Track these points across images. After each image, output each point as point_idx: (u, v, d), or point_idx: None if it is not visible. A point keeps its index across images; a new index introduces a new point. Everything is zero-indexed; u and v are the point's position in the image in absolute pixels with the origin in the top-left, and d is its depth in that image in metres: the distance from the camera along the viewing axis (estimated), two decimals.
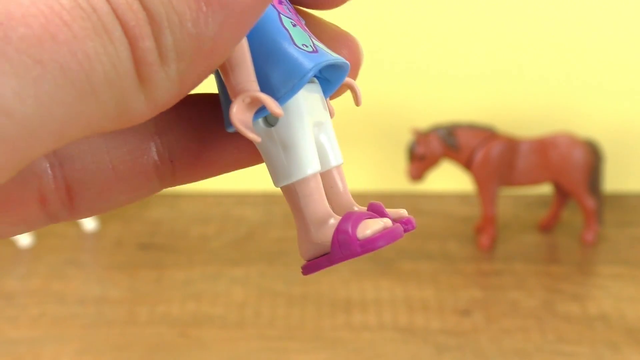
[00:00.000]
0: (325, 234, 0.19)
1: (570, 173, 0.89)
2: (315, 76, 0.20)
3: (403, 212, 0.20)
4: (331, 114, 0.21)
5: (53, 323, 0.79)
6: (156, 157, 0.20)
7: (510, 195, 1.06)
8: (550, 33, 0.99)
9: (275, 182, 0.19)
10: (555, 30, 0.99)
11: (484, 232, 0.92)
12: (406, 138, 1.05)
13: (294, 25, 0.19)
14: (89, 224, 0.99)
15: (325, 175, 0.20)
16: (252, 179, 1.10)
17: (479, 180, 0.90)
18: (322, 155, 0.20)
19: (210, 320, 0.79)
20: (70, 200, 0.19)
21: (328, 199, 0.20)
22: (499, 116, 1.03)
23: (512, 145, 0.89)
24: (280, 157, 0.19)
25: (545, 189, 1.07)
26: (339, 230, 0.18)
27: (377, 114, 1.04)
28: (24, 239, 0.95)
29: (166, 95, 0.16)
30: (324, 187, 0.20)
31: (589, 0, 0.97)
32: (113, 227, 1.00)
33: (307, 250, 0.19)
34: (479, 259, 0.90)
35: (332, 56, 0.19)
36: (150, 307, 0.81)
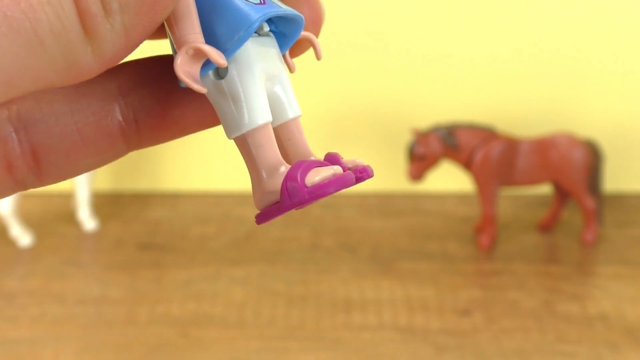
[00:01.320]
0: (276, 182, 0.19)
1: (570, 173, 0.89)
2: (271, 30, 0.20)
3: (359, 161, 0.20)
4: (291, 69, 0.21)
5: (53, 323, 0.79)
6: (120, 118, 0.20)
7: (510, 195, 1.06)
8: (550, 33, 0.99)
9: (227, 134, 0.19)
10: (555, 30, 0.99)
11: (484, 232, 0.92)
12: (406, 138, 1.05)
13: None
14: (88, 224, 0.99)
15: (283, 127, 0.20)
16: None
17: (479, 180, 0.90)
18: (279, 107, 0.20)
19: (210, 320, 0.79)
20: (37, 165, 0.19)
21: (286, 150, 0.20)
22: (499, 116, 1.03)
23: (512, 145, 0.89)
24: (231, 109, 0.19)
25: (545, 189, 1.07)
26: (288, 177, 0.18)
27: (377, 114, 1.04)
28: (24, 239, 0.95)
29: (113, 48, 0.16)
30: (281, 138, 0.20)
31: (588, 0, 0.97)
32: (113, 227, 1.00)
33: (260, 200, 0.19)
34: (479, 259, 0.90)
35: (282, 8, 0.19)
36: (150, 307, 0.81)
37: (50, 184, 0.20)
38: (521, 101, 1.03)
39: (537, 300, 0.81)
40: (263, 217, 0.19)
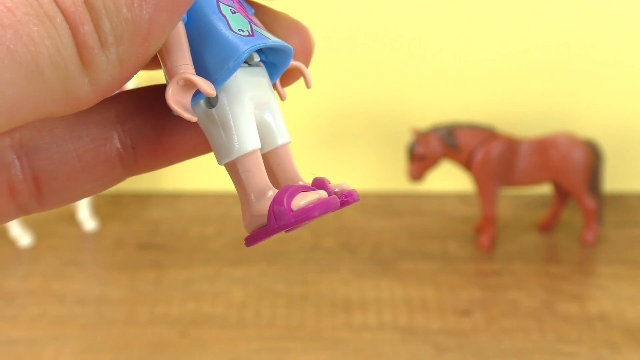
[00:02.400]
0: (264, 206, 0.20)
1: (570, 173, 0.89)
2: (262, 60, 0.21)
3: (345, 185, 0.21)
4: (282, 97, 0.22)
5: (53, 323, 0.79)
6: (119, 145, 0.21)
7: (510, 195, 1.06)
8: (551, 33, 0.99)
9: (218, 160, 0.20)
10: (555, 30, 0.99)
11: (484, 232, 0.92)
12: (406, 138, 1.05)
13: (233, 12, 0.20)
14: (88, 224, 0.99)
15: (273, 153, 0.21)
16: None
17: (479, 180, 0.90)
18: (269, 134, 0.21)
19: (210, 320, 0.79)
20: (38, 190, 0.20)
21: (276, 175, 0.21)
22: (499, 116, 1.03)
23: (512, 145, 0.89)
24: (221, 136, 0.20)
25: (545, 189, 1.07)
26: (274, 201, 0.19)
27: (377, 114, 1.04)
28: (24, 239, 0.95)
29: (109, 78, 0.16)
30: (271, 164, 0.21)
31: (588, 0, 0.97)
32: (113, 227, 1.00)
33: (249, 223, 0.20)
34: (479, 259, 0.90)
35: (270, 40, 0.20)
36: (150, 307, 0.81)
37: (50, 209, 0.20)
38: (521, 101, 1.03)
39: (537, 300, 0.81)
40: (252, 239, 0.20)
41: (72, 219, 1.02)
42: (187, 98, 0.19)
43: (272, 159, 0.21)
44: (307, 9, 0.99)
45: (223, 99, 0.19)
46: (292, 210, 0.19)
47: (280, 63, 0.21)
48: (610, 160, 1.04)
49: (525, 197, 1.07)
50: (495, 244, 0.93)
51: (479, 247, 0.92)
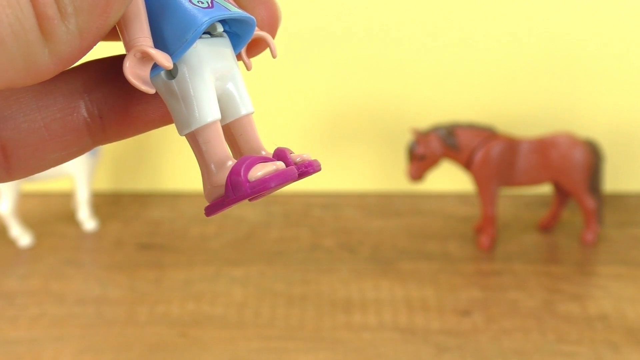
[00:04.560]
0: (222, 177, 0.20)
1: (570, 173, 0.89)
2: (225, 31, 0.21)
3: (306, 155, 0.21)
4: (247, 67, 0.22)
5: (53, 323, 0.79)
6: (86, 114, 0.21)
7: (510, 195, 1.06)
8: (551, 33, 0.99)
9: (179, 131, 0.20)
10: (555, 30, 0.99)
11: (484, 232, 0.92)
12: (406, 138, 1.04)
13: None
14: (88, 224, 0.99)
15: (235, 124, 0.21)
16: None
17: (479, 180, 0.90)
18: (232, 104, 0.21)
19: (210, 320, 0.79)
20: (6, 160, 0.20)
21: (239, 146, 0.21)
22: (499, 116, 1.03)
23: (512, 145, 0.89)
24: (181, 107, 0.20)
25: (545, 189, 1.07)
26: (232, 172, 0.19)
27: (377, 114, 1.04)
28: (24, 239, 0.95)
29: (68, 49, 0.17)
30: (234, 134, 0.21)
31: (588, 0, 0.97)
32: (113, 227, 1.00)
33: (209, 193, 0.20)
34: (479, 259, 0.90)
35: (229, 11, 0.20)
36: (150, 307, 0.81)
37: (19, 178, 0.21)
38: (521, 101, 1.03)
39: (537, 300, 0.81)
40: (211, 209, 0.20)
41: (72, 219, 1.02)
42: (146, 70, 0.19)
43: (235, 130, 0.21)
44: (307, 9, 0.99)
45: (183, 71, 0.20)
46: (248, 181, 0.19)
47: (244, 34, 0.21)
48: (610, 160, 1.04)
49: (525, 197, 1.07)
50: (495, 244, 0.93)
51: (479, 247, 0.92)
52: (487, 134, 0.90)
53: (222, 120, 0.21)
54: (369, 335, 0.76)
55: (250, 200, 0.21)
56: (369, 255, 0.92)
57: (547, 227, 0.96)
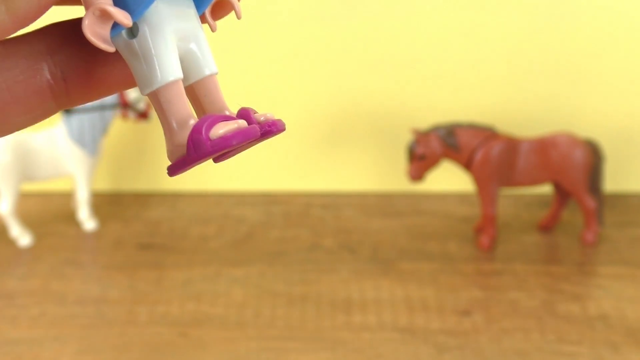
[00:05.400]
0: (184, 136, 0.20)
1: (570, 173, 0.89)
2: None
3: (270, 115, 0.21)
4: (212, 29, 0.22)
5: (53, 323, 0.79)
6: (49, 77, 0.21)
7: (510, 195, 1.06)
8: (551, 33, 0.99)
9: (141, 90, 0.20)
10: (555, 30, 0.99)
11: (484, 232, 0.92)
12: (406, 138, 1.04)
13: None
14: (88, 224, 0.99)
15: (199, 84, 0.21)
16: (252, 179, 1.10)
17: (479, 180, 0.90)
18: (195, 64, 0.21)
19: (210, 320, 0.79)
20: None
21: (203, 106, 0.21)
22: (499, 116, 1.03)
23: (512, 145, 0.89)
24: (142, 67, 0.20)
25: (545, 189, 1.07)
26: (193, 130, 0.19)
27: (377, 114, 1.04)
28: (24, 239, 0.95)
29: (25, 6, 0.17)
30: (198, 95, 0.21)
31: (588, 0, 0.97)
32: (113, 227, 1.00)
33: (172, 153, 0.21)
34: (479, 259, 0.90)
35: None
36: (150, 307, 0.81)
37: None
38: (521, 101, 1.03)
39: (537, 300, 0.81)
40: (173, 169, 0.21)
41: (72, 219, 1.02)
42: (105, 29, 0.19)
43: (199, 90, 0.21)
44: (307, 9, 0.99)
45: (144, 30, 0.19)
46: (210, 139, 0.19)
47: None
48: (610, 160, 1.04)
49: (525, 197, 1.07)
50: (495, 244, 0.93)
51: (479, 247, 0.92)
52: (487, 134, 0.89)
53: (185, 80, 0.21)
54: (369, 335, 0.76)
55: (214, 160, 0.21)
56: (369, 255, 0.92)
57: (547, 227, 0.96)
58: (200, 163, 0.20)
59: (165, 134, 0.21)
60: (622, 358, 0.71)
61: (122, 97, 0.96)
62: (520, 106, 1.03)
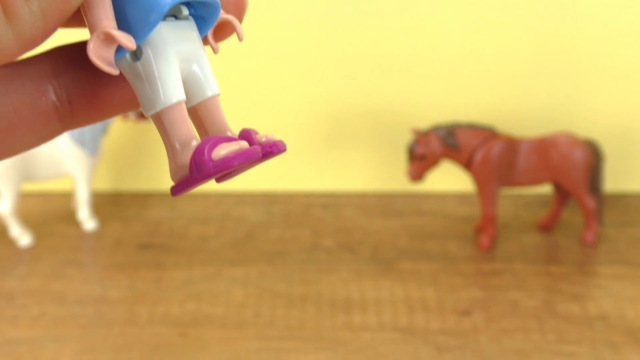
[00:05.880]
0: (187, 156, 0.20)
1: (570, 173, 0.89)
2: (191, 14, 0.22)
3: (271, 136, 0.21)
4: (214, 51, 0.22)
5: (53, 323, 0.79)
6: (54, 98, 0.21)
7: (510, 195, 1.06)
8: (551, 33, 0.99)
9: (144, 112, 0.20)
10: (555, 30, 0.99)
11: (484, 232, 0.92)
12: (406, 138, 1.05)
13: None
14: (88, 224, 0.99)
15: (202, 105, 0.22)
16: (252, 179, 1.10)
17: (479, 180, 0.90)
18: (197, 86, 0.21)
19: (210, 320, 0.79)
20: None
21: (205, 127, 0.22)
22: (499, 116, 1.03)
23: (512, 145, 0.89)
24: (146, 88, 0.20)
25: (545, 189, 1.07)
26: (196, 152, 0.20)
27: (377, 114, 1.04)
28: (24, 239, 0.95)
29: (32, 30, 0.17)
30: (200, 116, 0.22)
31: (588, 0, 0.97)
32: (113, 227, 1.00)
33: (174, 174, 0.21)
34: (479, 259, 0.90)
35: None
36: (150, 307, 0.81)
37: None
38: (521, 101, 1.03)
39: (537, 300, 0.81)
40: (177, 189, 0.21)
41: (72, 219, 1.02)
42: (110, 52, 0.19)
43: (201, 111, 0.22)
44: (307, 9, 0.99)
45: (148, 53, 0.20)
46: (212, 160, 0.19)
47: (209, 17, 0.22)
48: (610, 160, 1.04)
49: (525, 197, 1.07)
50: (495, 244, 0.93)
51: (479, 247, 0.92)
52: (487, 134, 0.89)
53: (188, 102, 0.21)
54: (369, 335, 0.76)
55: (217, 181, 0.21)
56: (369, 255, 0.92)
57: (547, 227, 0.96)
58: (202, 183, 0.20)
59: (168, 154, 0.21)
60: (622, 358, 0.71)
61: None
62: (520, 106, 1.03)
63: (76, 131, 0.94)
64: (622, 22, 0.98)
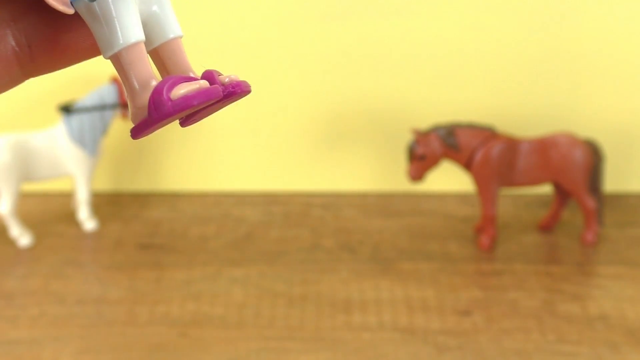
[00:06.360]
0: (146, 97, 0.20)
1: (570, 173, 0.89)
2: None
3: (234, 76, 0.21)
4: None
5: (53, 323, 0.79)
6: (13, 43, 0.20)
7: (510, 195, 1.06)
8: (550, 33, 0.99)
9: (103, 54, 0.20)
10: (555, 30, 0.99)
11: (484, 232, 0.92)
12: (406, 138, 1.04)
13: None
14: (88, 224, 0.99)
15: (164, 47, 0.21)
16: (252, 179, 1.10)
17: (479, 180, 0.90)
18: (158, 28, 0.21)
19: (210, 320, 0.79)
20: None
21: (167, 69, 0.21)
22: (499, 116, 1.03)
23: (512, 145, 0.89)
24: (103, 29, 0.20)
25: (545, 189, 1.07)
26: (154, 91, 0.19)
27: (377, 114, 1.04)
28: (24, 239, 0.95)
29: None
30: (162, 58, 0.21)
31: (588, 0, 0.97)
32: (113, 227, 1.00)
33: (134, 115, 0.20)
34: (479, 259, 0.90)
35: None
36: (150, 307, 0.81)
37: None
38: (521, 101, 1.03)
39: (537, 301, 0.81)
40: (136, 131, 0.20)
41: (72, 219, 1.02)
42: None
43: (163, 53, 0.21)
44: (307, 9, 0.99)
45: None
46: (170, 100, 0.19)
47: None
48: (610, 160, 1.04)
49: (525, 197, 1.07)
50: (495, 244, 0.93)
51: (479, 247, 0.92)
52: (487, 134, 0.89)
53: (149, 44, 0.21)
54: (369, 335, 0.76)
55: (181, 125, 0.20)
56: (369, 255, 0.92)
57: (547, 227, 0.96)
58: (163, 125, 0.20)
59: (127, 96, 0.21)
60: (622, 358, 0.71)
61: (122, 97, 0.96)
62: (520, 106, 1.03)
63: (76, 131, 0.94)
64: (622, 22, 0.98)
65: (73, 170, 0.96)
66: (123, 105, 0.96)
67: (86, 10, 0.20)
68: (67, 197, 1.08)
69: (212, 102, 0.20)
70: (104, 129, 0.97)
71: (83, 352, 0.74)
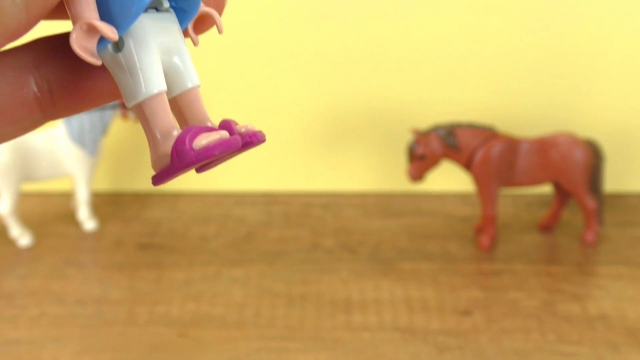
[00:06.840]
0: (168, 146, 0.21)
1: (570, 173, 0.89)
2: (172, 7, 0.22)
3: (251, 126, 0.22)
4: (194, 43, 0.23)
5: (52, 323, 0.79)
6: (35, 89, 0.21)
7: (510, 195, 1.06)
8: (551, 33, 0.99)
9: (126, 103, 0.21)
10: (555, 30, 0.99)
11: (484, 232, 0.92)
12: (406, 138, 1.04)
13: None
14: (88, 224, 0.99)
15: (182, 96, 0.22)
16: (252, 179, 1.10)
17: (479, 180, 0.90)
18: (178, 77, 0.22)
19: (210, 320, 0.79)
20: None
21: (186, 118, 0.22)
22: (499, 116, 1.03)
23: (512, 145, 0.89)
24: (128, 79, 0.20)
25: (545, 189, 1.07)
26: (177, 141, 0.20)
27: (377, 114, 1.04)
28: (24, 239, 0.95)
29: (15, 22, 0.17)
30: (181, 107, 0.22)
31: (588, 0, 0.97)
32: (112, 227, 1.00)
33: (156, 163, 0.21)
34: (479, 259, 0.90)
35: None
36: (150, 307, 0.81)
37: None
38: (521, 101, 1.03)
39: (537, 301, 0.81)
40: (158, 178, 0.21)
41: (72, 219, 1.02)
42: (92, 42, 0.20)
43: (181, 102, 0.22)
44: (307, 9, 0.99)
45: (130, 44, 0.20)
46: (193, 149, 0.20)
47: (190, 9, 0.22)
48: (610, 160, 1.04)
49: (525, 197, 1.07)
50: (495, 244, 0.93)
51: (479, 247, 0.92)
52: (487, 134, 0.89)
53: (169, 93, 0.22)
54: (369, 335, 0.76)
55: (197, 171, 0.21)
56: (369, 255, 0.92)
57: (547, 227, 0.96)
58: (183, 173, 0.20)
59: (149, 144, 0.21)
60: (622, 358, 0.71)
61: None
62: (520, 106, 1.03)
63: (76, 131, 0.94)
64: (622, 22, 0.98)
65: (73, 170, 0.96)
66: (123, 105, 0.96)
67: (111, 60, 0.20)
68: (67, 197, 1.08)
69: (231, 151, 0.20)
70: (104, 129, 0.97)
71: (83, 352, 0.74)
